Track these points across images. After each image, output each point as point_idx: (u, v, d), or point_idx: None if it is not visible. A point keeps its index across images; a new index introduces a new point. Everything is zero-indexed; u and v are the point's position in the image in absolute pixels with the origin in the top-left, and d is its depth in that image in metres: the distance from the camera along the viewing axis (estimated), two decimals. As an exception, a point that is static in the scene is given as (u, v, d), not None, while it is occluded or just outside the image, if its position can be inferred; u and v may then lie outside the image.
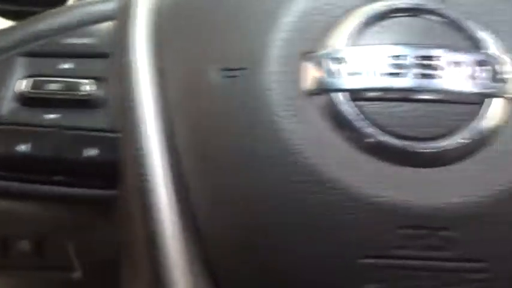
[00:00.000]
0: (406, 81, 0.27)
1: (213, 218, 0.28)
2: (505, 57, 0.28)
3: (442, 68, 0.27)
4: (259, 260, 0.28)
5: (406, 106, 0.27)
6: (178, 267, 0.28)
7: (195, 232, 0.29)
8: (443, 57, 0.27)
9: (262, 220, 0.28)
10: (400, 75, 0.27)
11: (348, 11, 0.29)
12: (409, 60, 0.27)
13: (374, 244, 0.26)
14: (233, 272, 0.28)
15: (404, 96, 0.27)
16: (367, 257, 0.26)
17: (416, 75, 0.27)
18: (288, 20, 0.29)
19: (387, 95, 0.27)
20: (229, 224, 0.28)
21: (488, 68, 0.28)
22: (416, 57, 0.27)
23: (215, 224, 0.28)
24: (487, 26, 0.29)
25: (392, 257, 0.26)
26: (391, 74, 0.27)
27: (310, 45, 0.29)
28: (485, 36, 0.28)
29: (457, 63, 0.27)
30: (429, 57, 0.27)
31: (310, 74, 0.28)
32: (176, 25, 0.33)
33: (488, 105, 0.27)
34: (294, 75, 0.28)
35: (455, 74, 0.27)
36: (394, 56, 0.28)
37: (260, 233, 0.28)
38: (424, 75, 0.27)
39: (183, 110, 0.30)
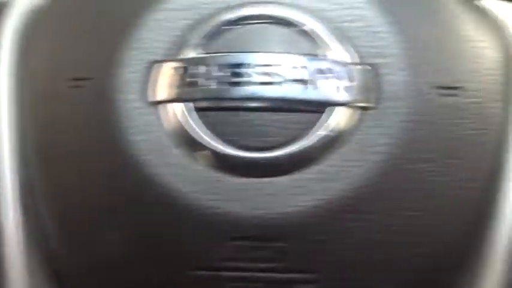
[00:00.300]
0: (246, 90, 0.27)
1: (58, 235, 0.28)
2: (353, 66, 0.28)
3: (283, 76, 0.27)
4: (102, 278, 0.28)
5: (245, 115, 0.27)
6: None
7: (41, 249, 0.29)
8: (285, 65, 0.27)
9: (102, 235, 0.27)
10: (240, 84, 0.27)
11: (200, 20, 0.28)
12: (250, 69, 0.27)
13: (207, 256, 0.26)
14: None
15: (243, 105, 0.27)
16: (199, 268, 0.26)
17: (256, 84, 0.27)
18: (140, 28, 0.29)
19: (227, 104, 0.27)
20: (74, 241, 0.28)
21: (333, 76, 0.27)
22: (257, 65, 0.27)
23: (61, 241, 0.28)
24: (341, 33, 0.28)
25: (225, 269, 0.26)
26: (232, 83, 0.27)
27: (160, 54, 0.28)
28: (335, 43, 0.28)
29: (300, 71, 0.27)
30: (270, 65, 0.27)
31: (157, 84, 0.28)
32: (41, 30, 0.32)
33: (330, 114, 0.27)
34: (142, 86, 0.28)
35: (297, 82, 0.27)
36: (235, 65, 0.27)
37: (101, 246, 0.28)
38: (264, 83, 0.27)
39: (35, 122, 0.30)
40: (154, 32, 0.29)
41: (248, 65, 0.27)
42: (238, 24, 0.28)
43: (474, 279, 0.28)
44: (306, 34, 0.28)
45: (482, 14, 0.33)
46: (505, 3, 0.36)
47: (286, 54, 0.27)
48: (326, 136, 0.27)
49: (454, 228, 0.27)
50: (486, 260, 0.28)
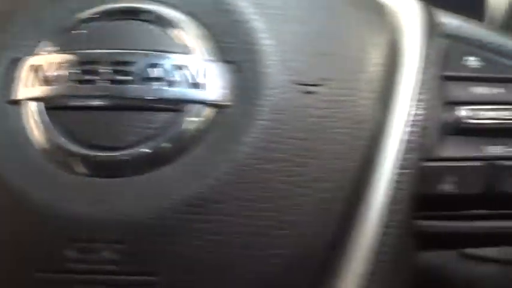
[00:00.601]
0: (97, 88, 0.26)
1: None
2: (213, 63, 0.27)
3: (136, 74, 0.26)
4: None
5: (96, 114, 0.26)
6: None
7: None
8: (140, 62, 0.26)
9: None
10: (92, 83, 0.26)
11: (60, 17, 0.28)
12: (103, 67, 0.26)
13: (51, 258, 0.26)
14: None
15: (93, 103, 0.26)
16: (43, 270, 0.26)
17: (108, 82, 0.26)
18: (5, 25, 0.28)
19: (77, 103, 0.26)
20: None
21: (190, 73, 0.27)
22: (109, 63, 0.26)
23: None
24: (202, 28, 0.27)
25: (69, 271, 0.25)
26: (84, 81, 0.26)
27: (22, 51, 0.28)
28: (196, 39, 0.27)
29: (156, 69, 0.26)
30: (125, 63, 0.26)
31: (16, 82, 0.27)
32: None
33: (186, 113, 0.26)
34: (4, 84, 0.27)
35: (151, 80, 0.26)
36: (88, 62, 0.26)
37: None
38: (116, 82, 0.26)
39: None
40: (19, 28, 0.28)
41: (100, 63, 0.26)
42: (95, 21, 0.28)
43: (336, 279, 0.27)
44: (165, 30, 0.27)
45: (373, 11, 0.32)
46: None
47: (140, 52, 0.27)
48: (179, 135, 0.26)
49: (314, 228, 0.26)
50: (349, 259, 0.27)
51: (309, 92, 0.27)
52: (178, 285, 0.25)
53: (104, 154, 0.26)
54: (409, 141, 0.28)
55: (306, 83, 0.27)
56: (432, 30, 0.32)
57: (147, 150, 0.26)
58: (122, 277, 0.25)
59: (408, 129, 0.28)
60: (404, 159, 0.28)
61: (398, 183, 0.28)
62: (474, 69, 0.31)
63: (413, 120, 0.29)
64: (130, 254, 0.25)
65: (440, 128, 0.30)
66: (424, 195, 0.29)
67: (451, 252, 0.58)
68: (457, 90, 0.31)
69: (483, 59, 0.32)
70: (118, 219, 0.25)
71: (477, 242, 0.32)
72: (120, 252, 0.25)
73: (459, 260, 0.58)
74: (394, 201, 0.27)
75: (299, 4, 0.30)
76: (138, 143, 0.26)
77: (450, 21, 0.33)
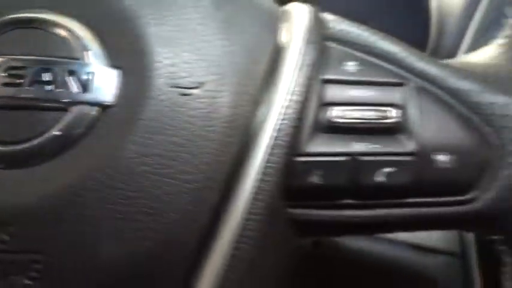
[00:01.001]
0: None
1: None
2: (100, 68, 0.31)
3: (29, 78, 0.30)
4: None
5: None
6: None
7: None
8: (33, 68, 0.30)
9: None
10: None
11: None
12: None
13: None
14: None
15: None
16: None
17: (3, 85, 0.30)
18: None
19: None
20: None
21: (78, 77, 0.30)
22: (7, 67, 0.30)
23: None
24: (94, 34, 0.31)
25: None
26: None
27: None
28: (87, 45, 0.31)
29: (47, 73, 0.30)
30: (17, 68, 0.30)
31: None
32: None
33: (73, 113, 0.30)
34: None
35: (43, 83, 0.30)
36: None
37: None
38: (11, 85, 0.30)
39: None
40: None
41: None
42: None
43: (204, 261, 0.30)
44: (57, 36, 0.31)
45: (264, 15, 0.35)
46: (302, 5, 0.38)
47: (32, 58, 0.30)
48: (66, 132, 0.30)
49: (183, 215, 0.30)
50: (216, 244, 0.30)
51: (185, 95, 0.31)
52: (58, 263, 0.29)
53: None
54: (277, 138, 0.32)
55: (183, 86, 0.31)
56: (316, 34, 0.35)
57: (31, 147, 0.30)
58: (10, 255, 0.29)
59: (278, 127, 0.32)
60: (272, 154, 0.31)
61: (264, 175, 0.31)
62: (351, 73, 0.34)
63: (283, 119, 0.32)
64: (18, 235, 0.29)
65: (312, 126, 0.33)
66: (296, 187, 0.32)
67: (399, 243, 0.61)
68: (333, 92, 0.34)
69: (363, 62, 0.35)
70: (7, 204, 0.29)
71: (349, 229, 0.35)
72: (9, 233, 0.29)
73: (407, 250, 0.60)
74: (258, 192, 0.31)
75: (189, 10, 0.33)
76: (29, 139, 0.30)
77: (340, 27, 0.36)
